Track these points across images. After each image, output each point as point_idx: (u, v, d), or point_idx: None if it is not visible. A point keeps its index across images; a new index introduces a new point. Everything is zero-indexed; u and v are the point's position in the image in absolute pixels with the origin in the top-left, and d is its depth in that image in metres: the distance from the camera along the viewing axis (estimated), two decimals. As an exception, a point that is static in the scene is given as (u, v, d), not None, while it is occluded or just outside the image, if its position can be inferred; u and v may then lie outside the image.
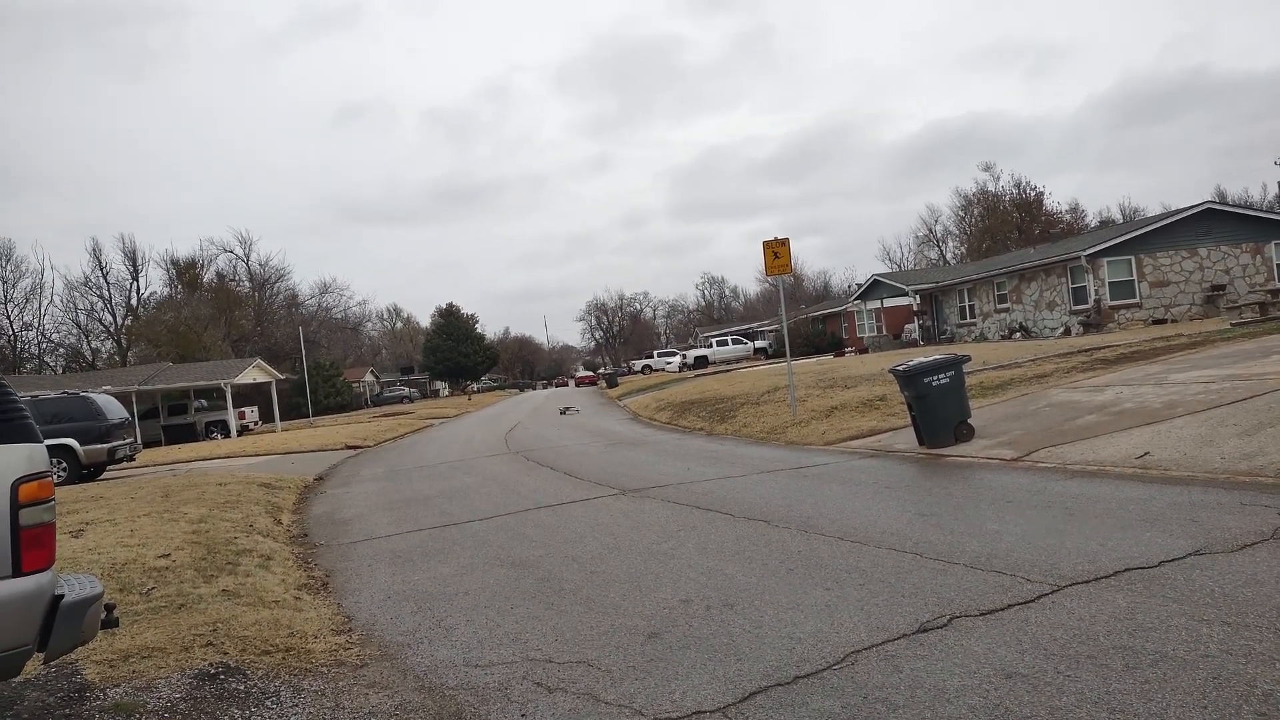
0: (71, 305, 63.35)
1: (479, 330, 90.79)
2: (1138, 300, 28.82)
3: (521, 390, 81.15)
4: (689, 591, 5.65)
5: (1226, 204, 38.57)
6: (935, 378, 11.00)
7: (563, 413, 28.99)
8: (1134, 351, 16.47)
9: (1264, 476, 7.09)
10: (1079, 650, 3.92)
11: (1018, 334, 33.23)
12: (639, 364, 65.41)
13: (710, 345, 62.12)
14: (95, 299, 64.38)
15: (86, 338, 64.51)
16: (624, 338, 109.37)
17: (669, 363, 59.43)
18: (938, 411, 11.06)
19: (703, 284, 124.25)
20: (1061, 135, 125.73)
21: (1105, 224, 62.05)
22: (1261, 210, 39.39)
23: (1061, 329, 30.64)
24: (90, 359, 62.31)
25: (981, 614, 4.56)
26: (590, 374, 78.38)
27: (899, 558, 5.90)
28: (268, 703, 4.28)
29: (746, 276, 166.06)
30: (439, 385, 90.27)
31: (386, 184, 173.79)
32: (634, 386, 43.48)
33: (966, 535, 6.33)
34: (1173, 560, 5.09)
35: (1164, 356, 15.20)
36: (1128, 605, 4.42)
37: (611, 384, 50.45)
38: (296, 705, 4.26)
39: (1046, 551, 5.63)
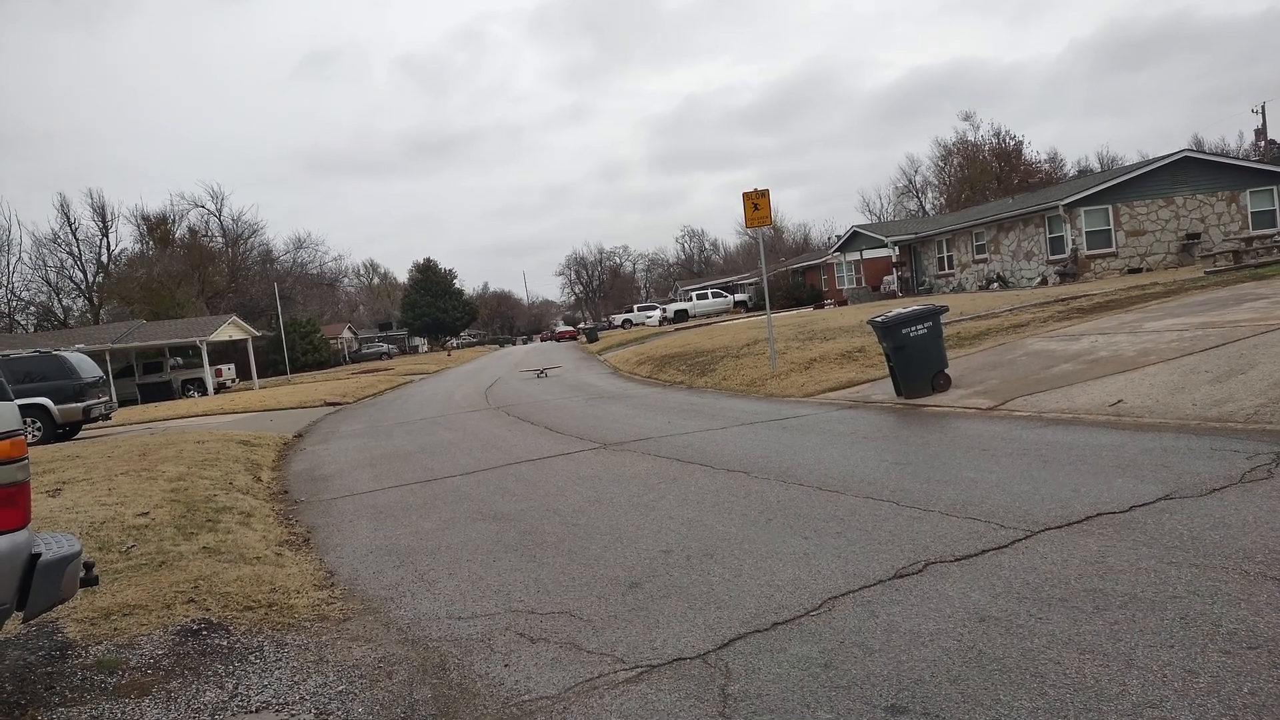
0: (41, 262, 62.01)
1: (457, 285, 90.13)
2: (1114, 249, 28.99)
3: (502, 346, 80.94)
4: (669, 542, 5.70)
5: (1203, 152, 38.73)
6: (913, 329, 11.05)
7: (540, 375, 25.79)
8: (1109, 300, 16.61)
9: (1234, 422, 7.21)
10: (1050, 593, 4.01)
11: (995, 284, 33.40)
12: (619, 318, 65.23)
13: (690, 299, 62.07)
14: (65, 256, 63.04)
15: (57, 295, 63.38)
16: (604, 292, 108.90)
17: (649, 317, 59.35)
18: (915, 362, 11.14)
19: (682, 237, 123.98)
20: (1043, 82, 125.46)
21: (1083, 173, 62.12)
22: (1237, 158, 39.65)
23: (1038, 279, 30.82)
24: (62, 317, 61.30)
25: (956, 560, 4.64)
26: (570, 329, 78.27)
27: (876, 506, 5.98)
28: (251, 658, 4.31)
29: (726, 229, 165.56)
30: (418, 341, 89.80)
31: (359, 135, 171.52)
32: (614, 341, 43.45)
33: (942, 483, 6.42)
34: (1143, 505, 5.19)
35: (1139, 305, 15.34)
36: (1099, 549, 4.51)
37: (591, 338, 50.38)
38: (280, 660, 4.29)
39: (1020, 498, 5.72)
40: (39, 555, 3.58)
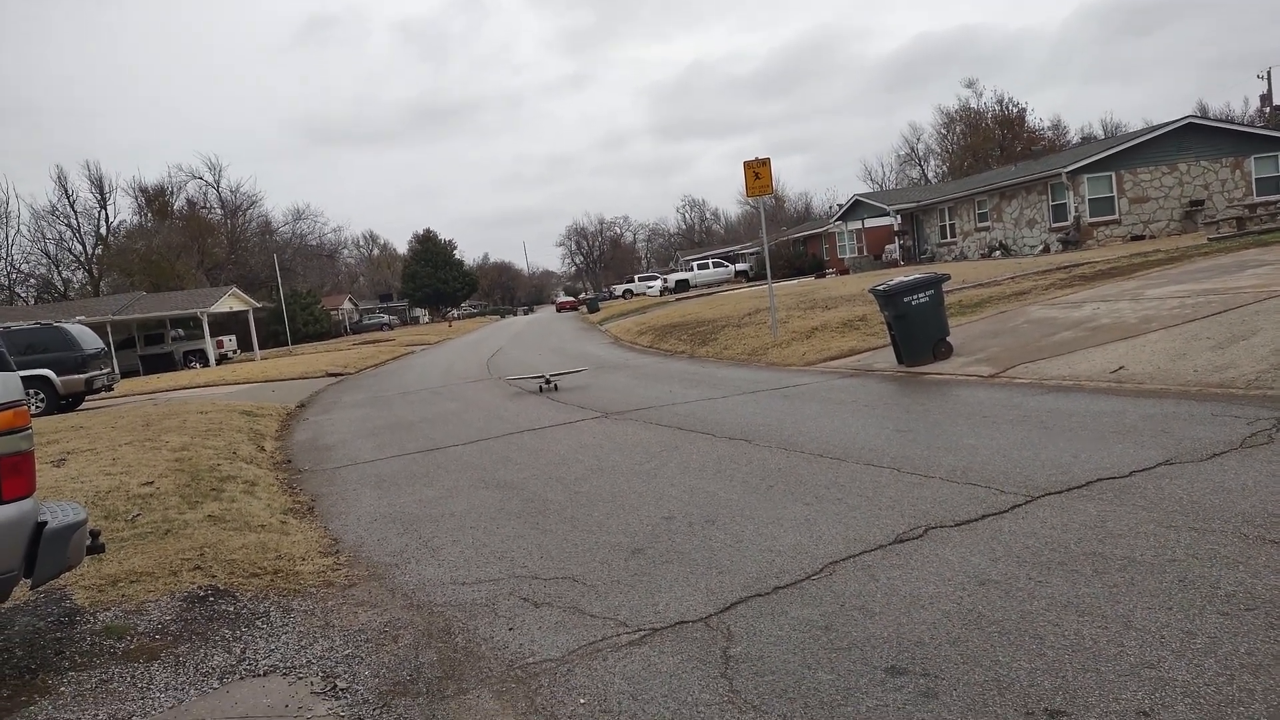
0: (40, 235, 61.80)
1: (458, 256, 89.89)
2: (1117, 217, 28.83)
3: (503, 316, 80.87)
4: (672, 509, 5.74)
5: (1207, 118, 38.31)
6: (914, 297, 11.02)
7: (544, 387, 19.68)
8: (1112, 268, 16.55)
9: (1235, 388, 7.22)
10: (1050, 557, 4.03)
11: (997, 252, 33.27)
12: (620, 288, 65.04)
13: (691, 269, 61.79)
14: (64, 228, 62.80)
15: (57, 268, 63.24)
16: (604, 262, 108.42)
17: (650, 287, 59.19)
18: (917, 330, 11.12)
19: (683, 207, 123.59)
20: (1048, 49, 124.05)
21: (1087, 140, 61.61)
22: (1242, 124, 39.29)
23: (1041, 247, 30.69)
24: (62, 289, 61.20)
25: (956, 525, 4.66)
26: (571, 299, 77.91)
27: (877, 473, 6.00)
28: (258, 623, 4.35)
29: (727, 198, 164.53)
30: (419, 312, 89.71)
31: (358, 104, 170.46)
32: (615, 311, 43.38)
33: (943, 450, 6.44)
34: (1143, 470, 5.21)
35: (1141, 272, 15.29)
36: (1098, 513, 4.54)
37: (592, 309, 50.31)
38: (286, 625, 4.33)
39: (1021, 464, 5.74)
40: (45, 523, 3.61)
